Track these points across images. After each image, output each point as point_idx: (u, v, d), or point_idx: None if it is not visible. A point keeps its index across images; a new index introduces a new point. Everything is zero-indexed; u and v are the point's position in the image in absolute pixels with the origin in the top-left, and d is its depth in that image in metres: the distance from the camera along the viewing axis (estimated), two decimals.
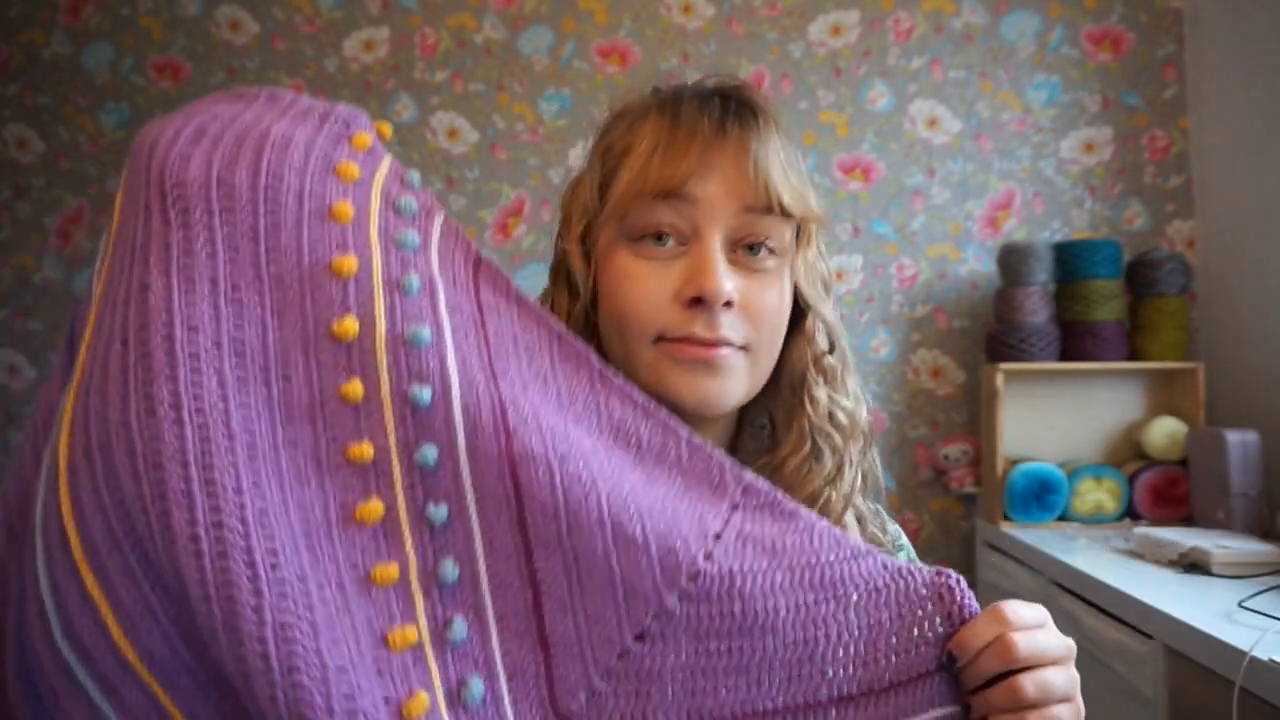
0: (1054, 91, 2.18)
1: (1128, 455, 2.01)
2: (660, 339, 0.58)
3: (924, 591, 0.49)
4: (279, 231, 0.46)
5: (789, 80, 2.21)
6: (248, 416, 0.43)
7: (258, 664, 0.39)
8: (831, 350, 0.65)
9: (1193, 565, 1.45)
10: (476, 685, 0.45)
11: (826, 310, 0.65)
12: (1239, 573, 1.39)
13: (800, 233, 0.63)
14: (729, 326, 0.58)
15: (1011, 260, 1.98)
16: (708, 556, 0.48)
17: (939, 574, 0.50)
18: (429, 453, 0.45)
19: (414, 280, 0.48)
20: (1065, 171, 2.17)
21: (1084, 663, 1.58)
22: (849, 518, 0.64)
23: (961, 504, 2.15)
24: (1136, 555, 1.59)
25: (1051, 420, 2.03)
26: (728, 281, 0.57)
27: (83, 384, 0.44)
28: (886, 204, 2.19)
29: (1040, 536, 1.78)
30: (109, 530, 0.41)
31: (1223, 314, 2.02)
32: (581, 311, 0.63)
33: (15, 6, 2.26)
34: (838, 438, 0.63)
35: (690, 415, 0.59)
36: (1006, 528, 1.87)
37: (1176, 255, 1.99)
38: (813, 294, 0.64)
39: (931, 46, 2.20)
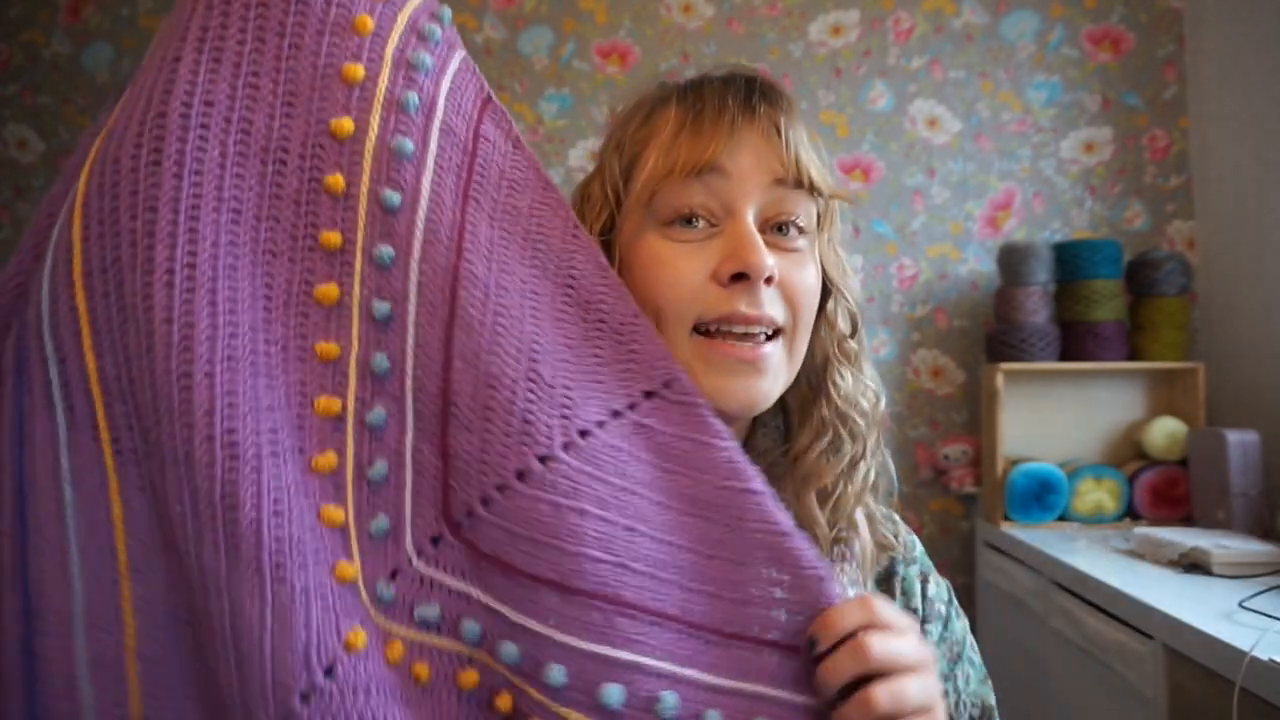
0: (1054, 91, 2.18)
1: (1128, 455, 2.01)
2: (699, 329, 0.56)
3: (797, 559, 0.49)
4: (303, 31, 0.50)
5: (789, 80, 2.21)
6: (239, 187, 0.48)
7: (202, 382, 0.44)
8: (853, 334, 0.64)
9: (1193, 565, 1.45)
10: (381, 466, 0.48)
11: (851, 289, 0.63)
12: (1239, 573, 1.39)
13: (824, 212, 0.62)
14: (770, 304, 0.56)
15: (1011, 260, 1.98)
16: (601, 425, 0.50)
17: (816, 561, 0.50)
18: (385, 252, 0.49)
19: (413, 98, 0.51)
20: (1065, 171, 2.17)
21: (1084, 663, 1.58)
22: (859, 515, 0.63)
23: (961, 504, 2.15)
24: (1137, 555, 1.58)
25: (1051, 420, 2.03)
26: (769, 255, 0.55)
27: (111, 130, 0.49)
28: (887, 204, 2.19)
29: (1040, 536, 1.78)
30: (102, 256, 0.47)
31: (1223, 314, 2.02)
32: None
33: (15, 6, 2.26)
34: (861, 424, 0.62)
35: (728, 418, 0.56)
36: (1006, 528, 1.87)
37: (1176, 255, 1.99)
38: (838, 274, 0.63)
39: (931, 46, 2.20)
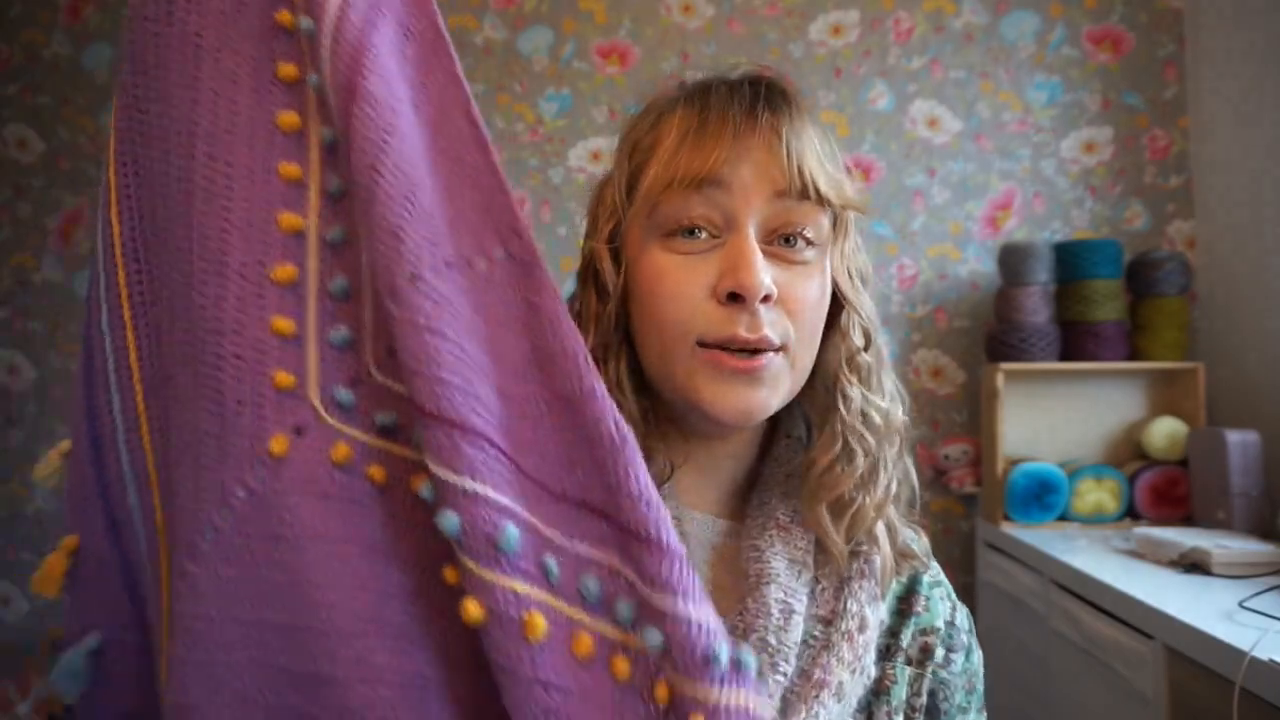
0: (1054, 91, 2.18)
1: (1128, 455, 2.01)
2: (701, 344, 0.56)
3: (598, 424, 0.49)
4: None
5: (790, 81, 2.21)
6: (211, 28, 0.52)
7: (182, 217, 0.50)
8: (867, 347, 0.62)
9: (1193, 565, 1.45)
10: (342, 281, 0.51)
11: (864, 304, 0.62)
12: (1239, 573, 1.39)
13: (837, 223, 0.60)
14: (769, 324, 0.55)
15: (1012, 260, 1.98)
16: (449, 266, 0.52)
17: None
18: (312, 79, 0.52)
19: None
20: (1065, 171, 2.17)
21: (1084, 663, 1.58)
22: (879, 528, 0.61)
23: (962, 504, 2.15)
24: (1137, 555, 1.58)
25: (1051, 420, 2.03)
26: (765, 274, 0.54)
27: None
28: (887, 204, 2.19)
29: (1040, 536, 1.78)
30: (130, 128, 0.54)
31: (1223, 314, 2.02)
32: (612, 313, 0.60)
33: (15, 6, 2.26)
34: (870, 438, 0.60)
35: (727, 426, 0.57)
36: (1007, 528, 1.87)
37: (1176, 255, 1.99)
38: (850, 287, 0.61)
39: (931, 46, 2.20)
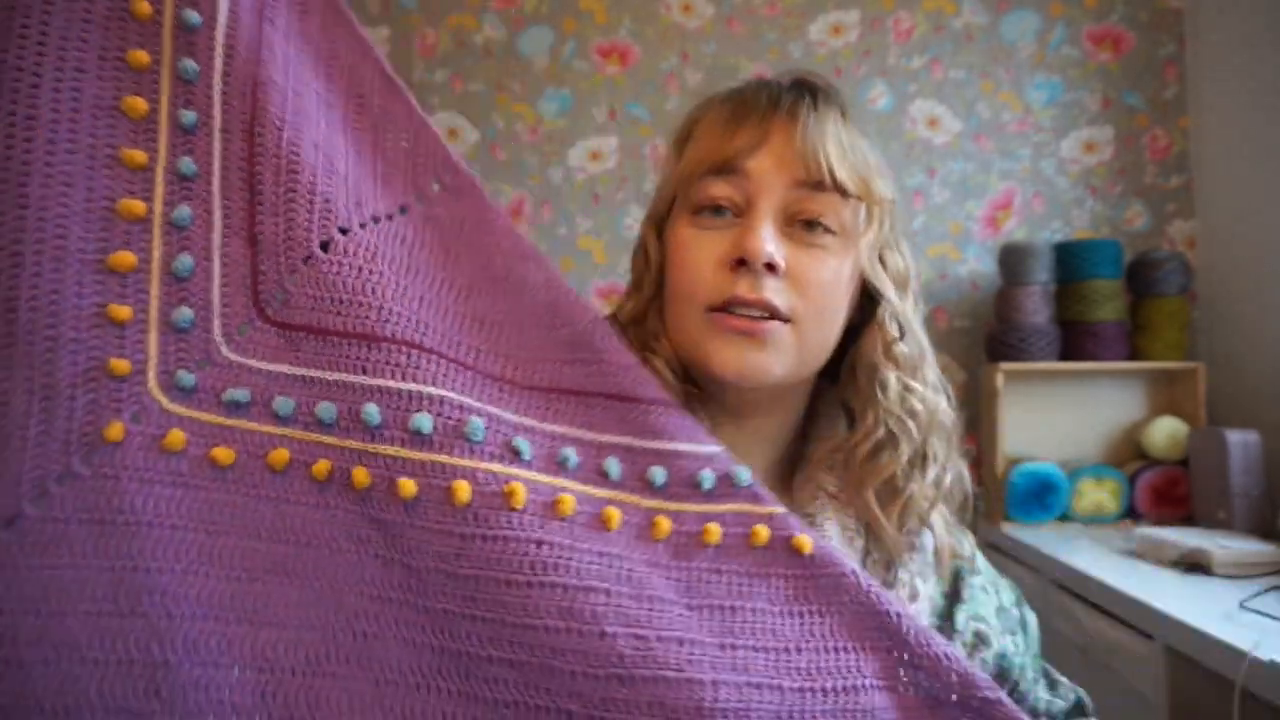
0: (1054, 91, 2.18)
1: (1128, 455, 2.01)
2: (710, 308, 0.59)
3: (571, 312, 0.56)
4: None
5: None
6: (47, 11, 0.52)
7: None
8: (902, 336, 0.65)
9: (1194, 565, 1.44)
10: (186, 260, 0.53)
11: (892, 294, 0.64)
12: (1240, 573, 1.39)
13: (869, 214, 0.62)
14: (773, 291, 0.58)
15: (1012, 260, 1.98)
16: (390, 217, 0.57)
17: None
18: (189, 66, 0.54)
19: None
20: (1065, 171, 2.17)
21: (1084, 663, 1.58)
22: (934, 517, 0.63)
23: None
24: (1137, 555, 1.58)
25: (1052, 420, 2.03)
26: (770, 244, 0.58)
27: None
28: None
29: (1041, 536, 1.78)
30: None
31: (1223, 314, 2.01)
32: (652, 281, 0.65)
33: None
34: (913, 426, 0.62)
35: (735, 388, 0.60)
36: (1007, 528, 1.87)
37: (1177, 255, 1.99)
38: (877, 277, 0.63)
39: (931, 46, 2.20)
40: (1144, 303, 1.98)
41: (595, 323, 0.57)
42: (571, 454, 0.53)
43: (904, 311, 0.65)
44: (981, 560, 0.69)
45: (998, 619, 0.66)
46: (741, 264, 0.58)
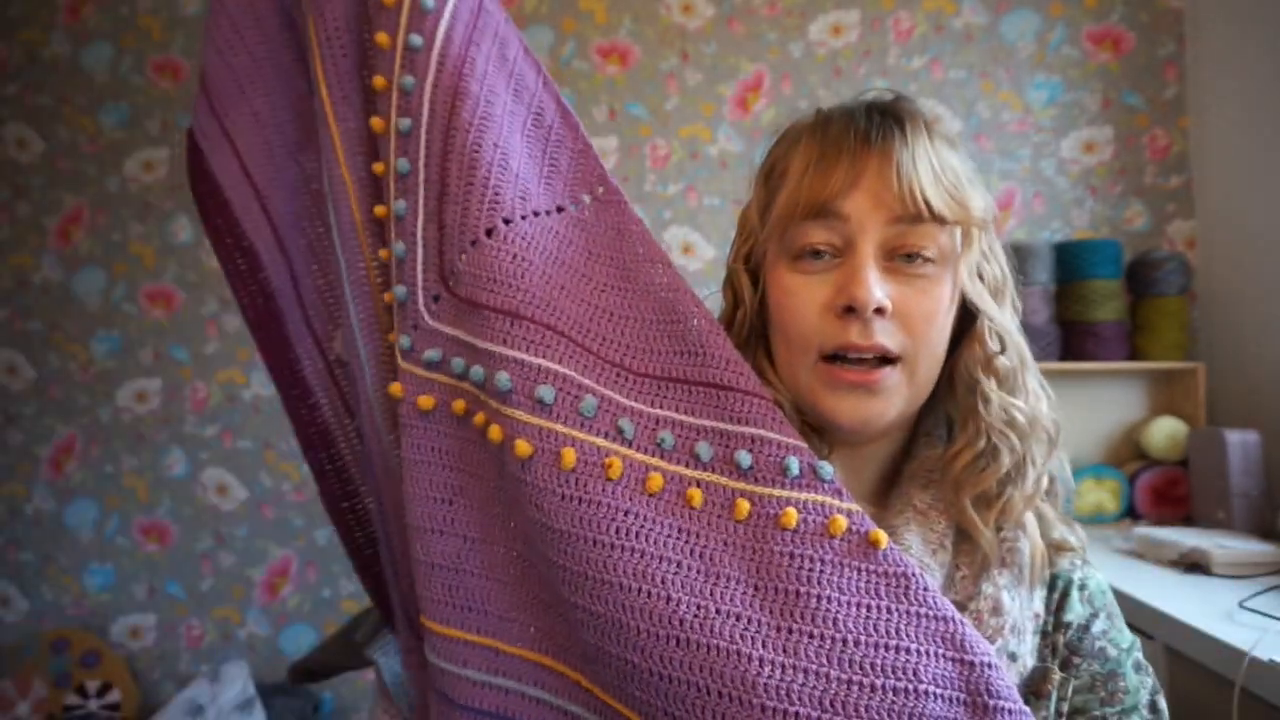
0: (1054, 91, 2.18)
1: (1128, 455, 2.01)
2: (822, 356, 0.60)
3: (688, 311, 0.64)
4: None
5: (789, 80, 2.21)
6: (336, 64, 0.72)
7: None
8: (1003, 350, 0.64)
9: (1193, 565, 1.45)
10: (400, 246, 0.66)
11: (993, 310, 0.64)
12: (1239, 573, 1.39)
13: (965, 236, 0.62)
14: (884, 334, 0.59)
15: (1011, 260, 1.97)
16: (549, 213, 0.67)
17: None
18: (408, 81, 0.67)
19: None
20: (1065, 171, 2.17)
21: None
22: (1028, 517, 0.63)
23: None
24: (1137, 555, 1.58)
25: None
26: (877, 289, 0.58)
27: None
28: None
29: None
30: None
31: (1223, 314, 2.01)
32: (746, 321, 0.66)
33: (15, 6, 2.26)
34: (1014, 437, 0.62)
35: (846, 434, 0.61)
36: None
37: (1176, 255, 1.99)
38: (978, 295, 0.63)
39: (931, 46, 2.20)
40: (1144, 303, 1.98)
41: (705, 320, 0.62)
42: (668, 436, 0.59)
43: (1004, 324, 0.64)
44: (1107, 595, 0.66)
45: (1077, 635, 0.63)
46: (849, 310, 0.58)
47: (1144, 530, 1.63)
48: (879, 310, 0.58)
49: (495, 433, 0.60)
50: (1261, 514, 1.69)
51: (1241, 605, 1.22)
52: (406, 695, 0.74)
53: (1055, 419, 0.65)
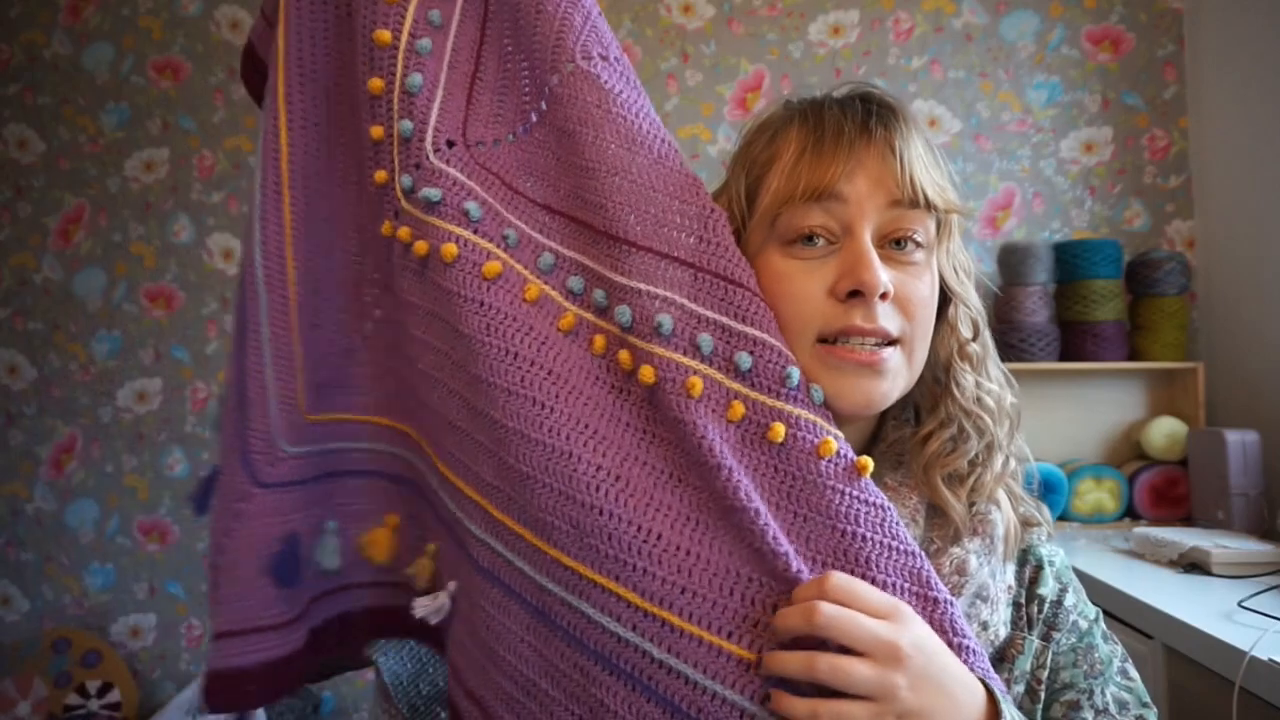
0: (1054, 91, 2.18)
1: (1128, 455, 2.01)
2: (821, 339, 0.60)
3: (697, 195, 0.63)
4: None
5: (789, 80, 2.21)
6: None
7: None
8: (975, 337, 0.67)
9: (1192, 565, 1.45)
10: (417, 78, 0.65)
11: (971, 297, 0.67)
12: (1239, 573, 1.39)
13: (941, 225, 0.64)
14: (886, 317, 0.60)
15: (1011, 260, 1.98)
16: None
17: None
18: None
19: None
20: (1065, 171, 2.17)
21: None
22: (1000, 493, 0.65)
23: None
24: (1136, 555, 1.59)
25: (1051, 420, 2.03)
26: (883, 273, 0.59)
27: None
28: None
29: None
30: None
31: (1223, 314, 2.02)
32: None
33: (15, 6, 2.26)
34: (986, 420, 0.65)
35: (846, 417, 0.61)
36: None
37: (1176, 255, 1.99)
38: (956, 282, 0.66)
39: (931, 46, 2.20)
40: (1143, 303, 1.98)
41: (716, 210, 0.62)
42: (667, 320, 0.58)
43: (979, 311, 0.67)
44: (1061, 562, 0.69)
45: (1051, 611, 0.66)
46: (854, 295, 0.59)
47: (1143, 530, 1.63)
48: (883, 295, 0.59)
49: (492, 269, 0.62)
50: (1261, 514, 1.69)
51: (1241, 605, 1.22)
52: (406, 695, 0.74)
53: (1015, 402, 0.68)
